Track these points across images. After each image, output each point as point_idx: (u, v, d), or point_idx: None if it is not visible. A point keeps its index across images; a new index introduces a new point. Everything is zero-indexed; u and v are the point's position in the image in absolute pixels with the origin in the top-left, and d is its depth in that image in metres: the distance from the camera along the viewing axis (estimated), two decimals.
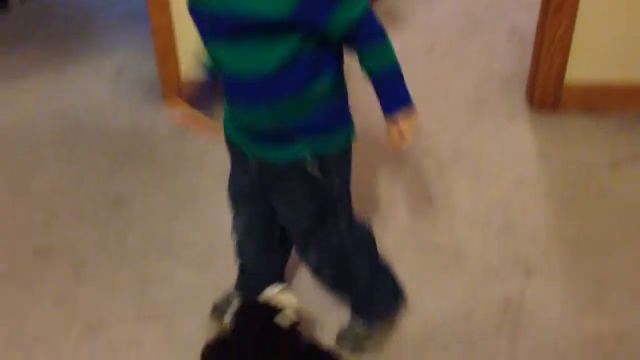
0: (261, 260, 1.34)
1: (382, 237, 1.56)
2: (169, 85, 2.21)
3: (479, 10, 2.84)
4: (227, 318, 1.20)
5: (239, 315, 1.16)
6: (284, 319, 1.12)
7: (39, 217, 1.72)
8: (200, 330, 1.35)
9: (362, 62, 1.04)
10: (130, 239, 1.63)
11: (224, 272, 1.47)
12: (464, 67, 2.38)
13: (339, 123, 1.09)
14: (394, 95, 1.07)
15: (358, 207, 1.23)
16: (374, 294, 1.30)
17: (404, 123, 1.06)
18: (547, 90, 2.06)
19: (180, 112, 1.16)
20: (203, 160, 1.91)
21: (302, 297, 1.28)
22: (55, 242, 1.63)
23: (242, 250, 1.33)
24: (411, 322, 1.37)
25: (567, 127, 2.00)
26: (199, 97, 1.17)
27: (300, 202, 1.13)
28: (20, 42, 2.71)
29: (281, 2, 0.92)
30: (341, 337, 1.32)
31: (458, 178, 1.80)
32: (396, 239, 1.58)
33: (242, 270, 1.37)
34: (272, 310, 1.12)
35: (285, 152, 1.07)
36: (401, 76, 1.07)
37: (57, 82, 2.40)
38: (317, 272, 1.27)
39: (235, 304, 1.20)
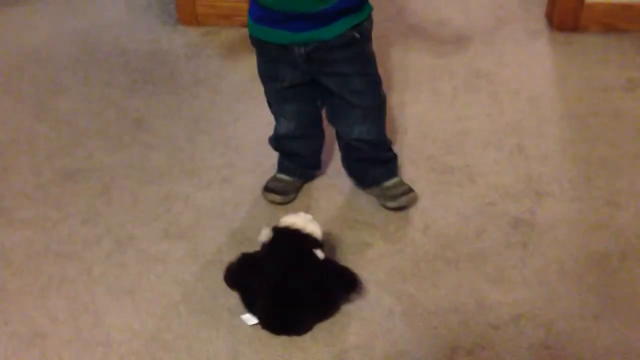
0: (306, 147, 1.54)
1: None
2: (184, 5, 2.21)
3: None
4: (263, 237, 1.26)
5: (275, 237, 1.21)
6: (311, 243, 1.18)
7: (64, 140, 1.77)
8: (222, 246, 1.42)
9: None
10: (154, 160, 1.68)
11: (243, 190, 1.55)
12: None
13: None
14: None
15: None
16: (392, 155, 1.53)
17: None
18: (567, 10, 2.03)
19: None
20: (219, 80, 1.94)
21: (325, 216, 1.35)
22: (81, 163, 1.69)
23: (286, 143, 1.52)
24: (424, 239, 1.43)
25: (585, 47, 1.99)
26: None
27: (350, 67, 1.34)
28: None
29: None
30: (390, 195, 1.49)
31: (474, 98, 1.82)
32: (410, 159, 1.62)
33: (286, 157, 1.56)
34: (303, 236, 1.18)
35: (334, 28, 1.28)
36: None
37: (73, 1, 2.40)
38: (363, 134, 1.43)
39: (268, 232, 1.26)
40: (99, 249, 1.45)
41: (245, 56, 2.03)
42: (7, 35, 2.23)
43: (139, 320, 1.29)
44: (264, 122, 1.68)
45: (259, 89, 1.47)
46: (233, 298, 1.30)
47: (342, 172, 1.57)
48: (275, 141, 1.54)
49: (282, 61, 1.35)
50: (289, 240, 1.20)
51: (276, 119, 1.50)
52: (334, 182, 1.58)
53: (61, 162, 1.69)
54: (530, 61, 1.95)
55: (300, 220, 1.22)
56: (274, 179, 1.56)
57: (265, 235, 1.24)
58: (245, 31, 1.41)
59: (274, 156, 1.57)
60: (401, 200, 1.48)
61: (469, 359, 1.20)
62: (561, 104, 1.79)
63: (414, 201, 1.50)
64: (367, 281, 1.33)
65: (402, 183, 1.51)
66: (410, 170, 1.59)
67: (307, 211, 1.37)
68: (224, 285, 1.32)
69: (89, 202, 1.57)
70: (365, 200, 1.53)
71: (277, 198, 1.53)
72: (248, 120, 1.78)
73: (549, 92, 1.84)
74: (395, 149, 1.59)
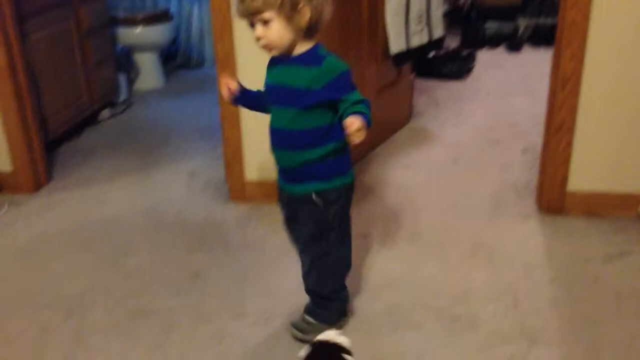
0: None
1: (408, 312, 1.93)
2: (235, 186, 2.68)
3: (500, 131, 3.31)
4: (302, 352, 1.54)
5: (312, 350, 1.50)
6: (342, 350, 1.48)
7: (132, 287, 2.13)
8: None
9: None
10: (207, 304, 2.02)
11: (285, 329, 1.86)
12: (484, 177, 2.80)
13: (337, 174, 1.68)
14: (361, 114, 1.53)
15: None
16: (328, 306, 1.83)
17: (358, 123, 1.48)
18: (553, 197, 2.45)
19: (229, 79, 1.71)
20: (263, 244, 2.33)
21: None
22: (146, 306, 2.03)
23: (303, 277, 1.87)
24: None
25: (570, 227, 2.37)
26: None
27: (308, 220, 1.71)
28: (111, 152, 3.26)
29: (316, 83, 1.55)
30: (294, 323, 1.84)
31: (476, 264, 2.17)
32: (421, 309, 1.94)
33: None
34: (335, 345, 1.48)
35: (299, 188, 1.68)
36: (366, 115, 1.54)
37: (142, 184, 2.90)
38: (306, 273, 1.82)
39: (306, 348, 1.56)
40: None
41: None
42: (90, 208, 2.70)
43: None
44: (299, 277, 2.03)
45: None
46: None
47: (368, 323, 1.89)
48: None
49: (281, 199, 1.78)
50: (323, 350, 1.49)
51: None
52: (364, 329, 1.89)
53: (131, 305, 2.03)
54: (524, 237, 2.33)
55: (331, 334, 1.52)
56: (301, 317, 1.86)
57: (304, 350, 1.53)
58: None
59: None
60: (292, 331, 1.83)
61: None
62: (550, 271, 2.13)
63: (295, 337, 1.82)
64: None
65: (307, 325, 1.81)
66: (421, 319, 1.90)
67: None
68: None
69: (153, 336, 1.89)
70: (387, 344, 1.82)
71: (298, 334, 1.83)
72: (287, 275, 2.13)
73: (539, 261, 2.18)
74: (409, 302, 1.92)
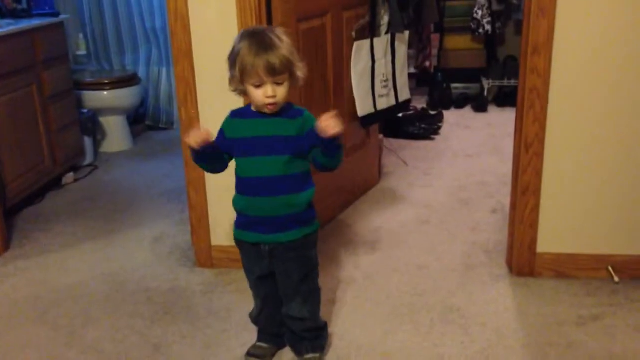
0: (275, 315, 1.94)
1: None
2: (201, 251, 2.61)
3: (469, 191, 3.31)
4: None
5: None
6: None
7: None
8: None
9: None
10: None
11: None
12: (454, 238, 2.78)
13: (315, 217, 1.83)
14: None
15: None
16: (323, 335, 1.98)
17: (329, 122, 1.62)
18: (523, 259, 2.42)
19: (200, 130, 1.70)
20: (229, 312, 2.25)
21: None
22: None
23: (262, 314, 1.95)
24: None
25: (541, 289, 2.34)
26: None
27: (297, 264, 1.81)
28: (73, 217, 3.18)
29: (301, 131, 1.71)
30: None
31: (447, 330, 2.11)
32: None
33: (261, 329, 2.01)
34: None
35: (288, 235, 1.77)
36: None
37: (105, 250, 2.81)
38: (300, 314, 1.86)
39: None
40: None
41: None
42: (48, 277, 2.59)
43: None
44: None
45: None
46: None
47: None
48: (254, 317, 1.98)
49: (254, 255, 1.83)
50: None
51: (254, 301, 1.95)
52: None
53: None
54: (495, 300, 2.29)
55: None
56: (254, 346, 2.00)
57: None
58: None
59: None
60: None
61: None
62: (522, 335, 2.08)
63: None
64: None
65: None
66: None
67: None
68: None
69: None
70: None
71: None
72: (252, 344, 2.05)
73: (511, 325, 2.14)
74: None
